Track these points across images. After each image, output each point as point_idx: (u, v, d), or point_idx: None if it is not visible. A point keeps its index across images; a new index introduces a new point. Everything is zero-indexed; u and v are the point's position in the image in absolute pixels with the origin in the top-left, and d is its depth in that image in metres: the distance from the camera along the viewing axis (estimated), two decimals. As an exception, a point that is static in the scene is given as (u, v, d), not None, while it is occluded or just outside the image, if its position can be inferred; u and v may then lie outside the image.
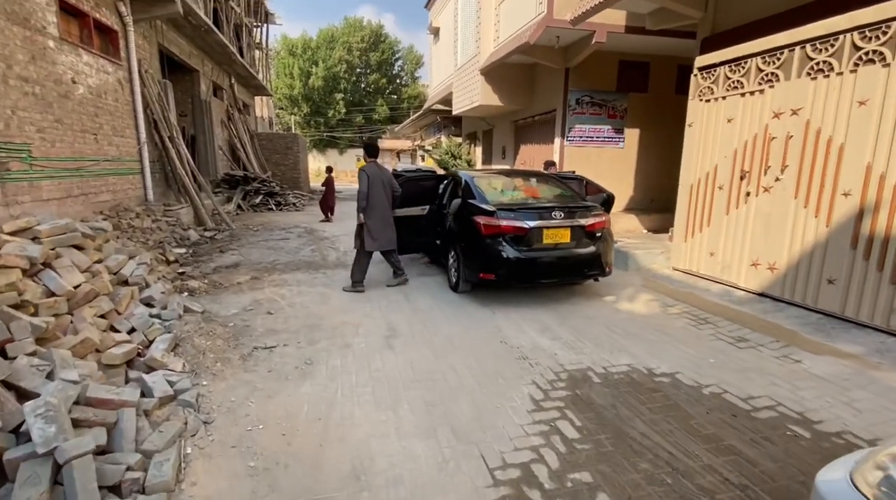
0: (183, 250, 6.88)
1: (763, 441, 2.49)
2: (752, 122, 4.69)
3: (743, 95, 4.78)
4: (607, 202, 5.76)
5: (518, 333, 3.98)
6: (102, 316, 3.16)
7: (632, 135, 10.41)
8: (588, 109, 10.00)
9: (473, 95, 11.50)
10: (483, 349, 3.61)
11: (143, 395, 2.60)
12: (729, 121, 4.95)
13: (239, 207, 12.78)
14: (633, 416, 2.69)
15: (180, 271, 5.70)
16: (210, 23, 10.32)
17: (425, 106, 19.59)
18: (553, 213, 4.50)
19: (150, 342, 3.16)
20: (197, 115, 12.35)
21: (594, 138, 10.21)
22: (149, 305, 3.73)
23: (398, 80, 41.61)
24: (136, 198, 8.06)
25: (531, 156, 11.76)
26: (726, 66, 4.97)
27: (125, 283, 3.77)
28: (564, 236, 4.53)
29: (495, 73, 10.92)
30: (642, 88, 10.23)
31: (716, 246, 5.19)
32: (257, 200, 13.45)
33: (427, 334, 3.94)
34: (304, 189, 18.99)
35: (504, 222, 4.38)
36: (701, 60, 5.32)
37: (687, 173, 5.58)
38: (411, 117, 23.84)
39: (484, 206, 4.64)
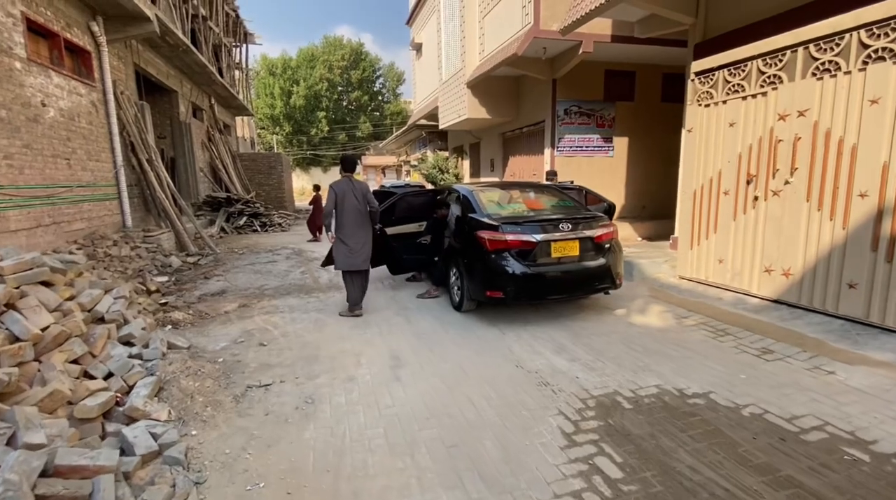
0: (164, 279, 6.49)
1: (822, 469, 2.26)
2: (756, 125, 4.58)
3: (745, 98, 4.69)
4: (608, 212, 5.60)
5: (532, 354, 3.73)
6: (75, 361, 2.81)
7: (620, 143, 10.40)
8: (576, 119, 9.96)
9: (460, 109, 11.40)
10: (498, 376, 3.34)
11: (122, 453, 2.26)
12: (731, 125, 4.85)
13: (222, 229, 12.36)
14: (675, 446, 2.44)
15: (162, 301, 5.32)
16: (188, 42, 10.05)
17: (410, 121, 19.51)
18: (560, 225, 4.30)
19: (131, 388, 2.81)
20: (176, 136, 11.98)
21: (583, 148, 10.16)
22: (128, 343, 3.38)
23: (380, 97, 41.73)
24: (114, 225, 7.64)
25: (521, 167, 11.67)
26: (725, 69, 4.89)
27: (101, 320, 3.41)
28: (573, 249, 4.32)
29: (482, 86, 10.85)
30: (629, 97, 10.26)
31: (724, 253, 5.04)
32: (241, 222, 13.04)
33: (435, 361, 3.65)
34: (289, 209, 18.60)
35: (510, 237, 4.16)
36: (697, 65, 5.24)
37: (689, 180, 5.46)
38: (395, 133, 23.75)
39: (487, 220, 4.42)
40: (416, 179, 23.12)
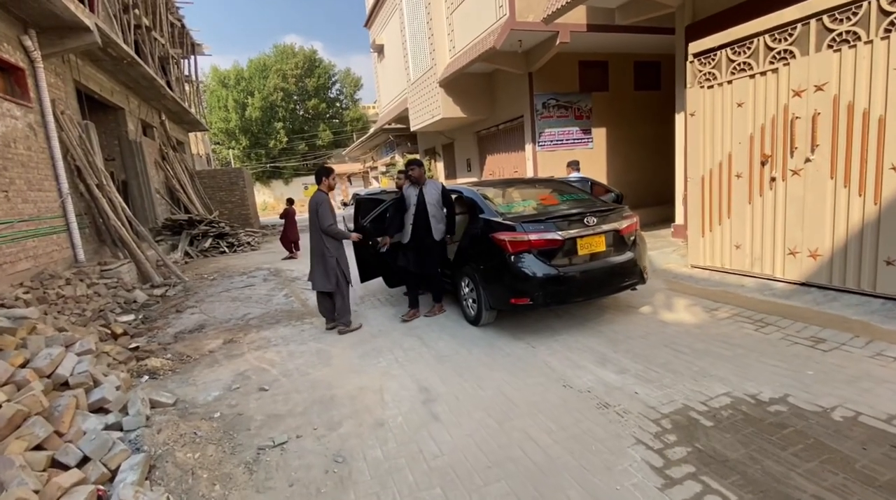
0: (131, 317, 5.74)
1: (952, 479, 1.98)
2: (768, 103, 4.41)
3: (752, 76, 4.51)
4: (617, 202, 5.34)
5: (575, 369, 3.35)
6: (38, 447, 2.20)
7: (599, 134, 10.27)
8: (555, 112, 9.74)
9: (434, 109, 10.99)
10: (548, 401, 2.94)
11: (116, 571, 1.72)
12: (739, 105, 4.66)
13: (187, 254, 11.43)
14: (786, 471, 2.11)
15: (132, 345, 4.63)
16: (133, 54, 9.16)
17: (376, 125, 18.92)
18: (585, 219, 3.95)
19: (114, 473, 2.23)
20: (127, 157, 10.98)
21: (564, 141, 9.96)
22: (102, 410, 2.77)
23: (338, 104, 40.71)
24: (64, 261, 6.77)
25: (500, 166, 11.37)
26: (728, 48, 4.70)
27: (65, 385, 2.79)
28: (600, 245, 3.99)
29: (455, 84, 10.48)
30: (603, 87, 10.15)
31: (741, 238, 4.86)
32: (207, 244, 12.13)
33: (470, 389, 3.22)
34: (255, 226, 17.65)
35: (533, 236, 3.77)
36: (696, 46, 5.04)
37: (696, 165, 5.26)
38: (361, 139, 23.07)
39: (501, 220, 4.01)
40: (385, 184, 22.52)
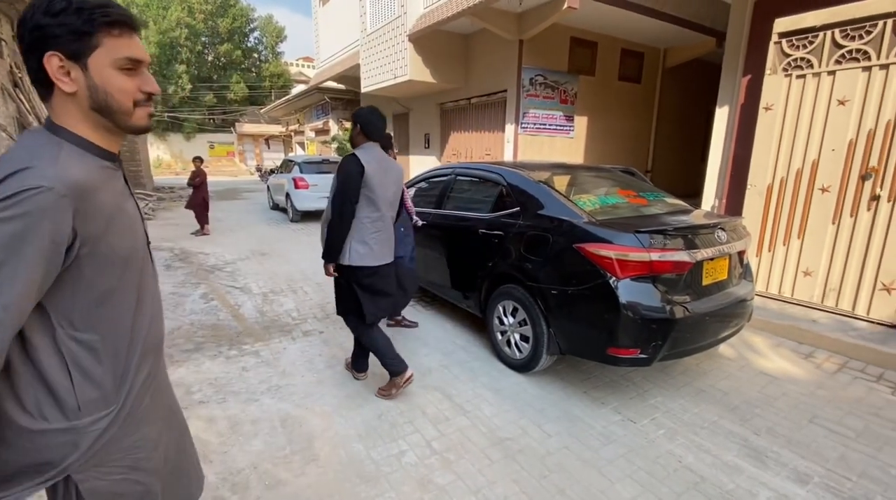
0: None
1: None
2: (886, 104, 3.56)
3: (868, 69, 3.63)
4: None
5: (732, 474, 2.16)
6: None
7: (581, 123, 9.32)
8: (541, 92, 8.55)
9: (398, 69, 9.17)
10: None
11: None
12: (842, 103, 3.79)
13: (46, 219, 8.40)
14: None
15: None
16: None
17: (311, 83, 16.29)
18: (716, 233, 2.75)
19: None
20: (-51, 73, 7.61)
21: (547, 126, 8.84)
22: None
23: (255, 55, 35.80)
24: None
25: (468, 146, 9.98)
26: (837, 30, 3.78)
27: None
28: (723, 270, 2.83)
29: (428, 41, 8.77)
30: (590, 71, 9.17)
31: (814, 263, 4.07)
32: (78, 208, 9.10)
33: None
34: (147, 187, 14.33)
35: (656, 255, 2.46)
36: (786, 23, 4.07)
37: (761, 171, 4.37)
38: (287, 97, 20.01)
39: (595, 227, 2.65)
40: (312, 152, 19.87)
